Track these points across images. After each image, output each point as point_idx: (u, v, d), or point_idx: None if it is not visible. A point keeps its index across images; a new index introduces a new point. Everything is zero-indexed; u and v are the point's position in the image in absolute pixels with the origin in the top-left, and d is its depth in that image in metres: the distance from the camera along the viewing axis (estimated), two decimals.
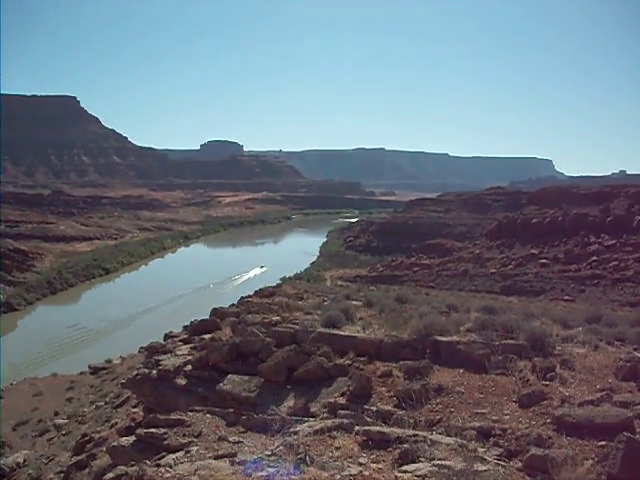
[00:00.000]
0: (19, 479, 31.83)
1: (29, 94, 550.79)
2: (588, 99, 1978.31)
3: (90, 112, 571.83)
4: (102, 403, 44.73)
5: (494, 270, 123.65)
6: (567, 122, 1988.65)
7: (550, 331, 19.05)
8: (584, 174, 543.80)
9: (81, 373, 65.73)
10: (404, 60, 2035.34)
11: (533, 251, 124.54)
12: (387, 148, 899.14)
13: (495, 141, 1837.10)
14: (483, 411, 13.83)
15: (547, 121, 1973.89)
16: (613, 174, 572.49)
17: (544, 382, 14.85)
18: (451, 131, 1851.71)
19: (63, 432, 40.69)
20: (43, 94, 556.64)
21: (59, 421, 44.85)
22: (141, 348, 57.38)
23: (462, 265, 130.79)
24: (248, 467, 9.66)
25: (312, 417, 14.55)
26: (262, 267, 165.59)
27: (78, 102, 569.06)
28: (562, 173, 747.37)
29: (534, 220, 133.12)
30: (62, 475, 27.24)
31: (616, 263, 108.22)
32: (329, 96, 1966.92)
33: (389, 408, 14.52)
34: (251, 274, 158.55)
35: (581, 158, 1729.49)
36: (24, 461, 35.69)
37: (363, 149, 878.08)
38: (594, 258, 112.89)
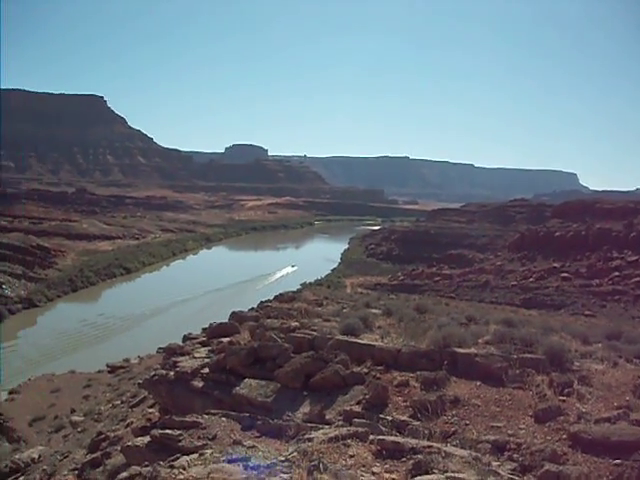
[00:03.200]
0: (34, 474, 31.94)
1: (56, 92, 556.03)
2: (614, 114, 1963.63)
3: (116, 112, 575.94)
4: (118, 402, 44.86)
5: (515, 282, 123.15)
6: (592, 137, 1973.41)
7: (569, 346, 18.94)
8: (608, 188, 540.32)
9: (99, 371, 66.02)
10: (431, 68, 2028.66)
11: (555, 264, 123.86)
12: (411, 157, 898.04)
13: (520, 153, 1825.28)
14: (499, 425, 13.79)
15: (572, 135, 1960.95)
16: (638, 189, 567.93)
17: (561, 397, 14.79)
18: (477, 142, 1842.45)
19: (79, 429, 40.83)
20: (70, 92, 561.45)
21: (75, 418, 45.05)
22: (159, 349, 57.62)
23: (483, 276, 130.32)
24: (261, 472, 9.69)
25: (327, 424, 14.53)
26: (293, 266, 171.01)
27: (105, 102, 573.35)
28: (586, 187, 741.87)
29: (557, 233, 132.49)
30: (76, 472, 27.32)
31: (638, 279, 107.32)
32: (355, 103, 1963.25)
33: (404, 418, 14.50)
34: (283, 272, 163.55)
35: (605, 173, 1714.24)
36: (39, 457, 35.87)
37: (387, 157, 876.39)
38: (616, 273, 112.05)
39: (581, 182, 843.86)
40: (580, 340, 23.63)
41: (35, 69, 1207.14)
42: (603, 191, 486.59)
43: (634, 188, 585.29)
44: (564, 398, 14.75)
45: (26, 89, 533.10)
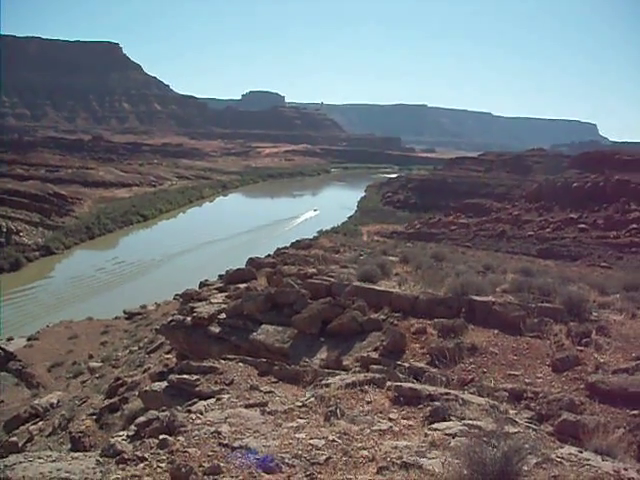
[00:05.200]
0: (52, 419, 32.34)
1: (72, 40, 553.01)
2: (635, 64, 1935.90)
3: (133, 59, 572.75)
4: (136, 348, 45.16)
5: (532, 233, 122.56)
6: (613, 86, 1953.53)
7: (587, 296, 18.86)
8: (629, 140, 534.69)
9: (116, 318, 66.45)
10: (448, 18, 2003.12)
11: (572, 215, 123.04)
12: (429, 105, 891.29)
13: (538, 102, 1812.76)
14: (516, 373, 13.79)
15: (592, 84, 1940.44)
16: None
17: (579, 347, 14.76)
18: (495, 90, 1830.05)
19: (97, 375, 41.20)
20: (86, 39, 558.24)
21: (93, 364, 45.42)
22: (176, 295, 57.85)
23: (500, 226, 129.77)
24: (277, 417, 9.73)
25: (344, 370, 14.59)
26: (315, 210, 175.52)
27: (121, 48, 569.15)
28: (606, 138, 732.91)
29: (575, 184, 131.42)
30: (95, 417, 27.61)
31: None
32: (371, 51, 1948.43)
33: (422, 365, 14.52)
34: (303, 217, 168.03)
35: (626, 123, 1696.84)
36: (58, 402, 36.25)
37: (404, 105, 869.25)
38: (634, 226, 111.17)
39: (601, 133, 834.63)
40: (598, 291, 23.54)
41: (50, 16, 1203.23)
42: (623, 142, 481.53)
43: None
44: (582, 348, 14.72)
45: (42, 37, 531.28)
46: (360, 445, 8.43)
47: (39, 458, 9.00)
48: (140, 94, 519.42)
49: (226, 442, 8.70)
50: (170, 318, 25.19)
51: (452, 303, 17.80)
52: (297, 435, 8.88)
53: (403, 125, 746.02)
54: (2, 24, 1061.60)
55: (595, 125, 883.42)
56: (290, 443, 8.58)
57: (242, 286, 24.23)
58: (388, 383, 11.48)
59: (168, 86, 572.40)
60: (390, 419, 9.72)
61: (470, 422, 9.05)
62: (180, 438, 9.04)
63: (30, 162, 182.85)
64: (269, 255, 36.65)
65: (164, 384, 15.23)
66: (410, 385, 11.21)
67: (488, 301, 17.45)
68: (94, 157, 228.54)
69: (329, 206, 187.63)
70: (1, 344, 55.77)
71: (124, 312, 67.61)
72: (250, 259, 30.02)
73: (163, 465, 8.15)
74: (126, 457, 8.69)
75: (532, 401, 12.21)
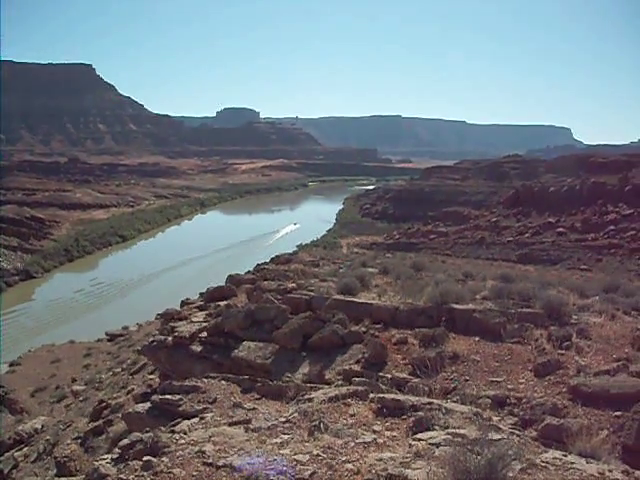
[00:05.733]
0: (37, 445, 32.12)
1: (45, 62, 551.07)
2: (607, 66, 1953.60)
3: (106, 80, 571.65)
4: (119, 370, 45.07)
5: (511, 238, 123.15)
6: (586, 90, 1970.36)
7: (567, 300, 18.97)
8: (602, 142, 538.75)
9: (98, 340, 66.30)
10: (420, 30, 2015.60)
11: (550, 220, 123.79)
12: (404, 115, 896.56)
13: (513, 109, 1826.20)
14: (498, 380, 13.84)
15: (565, 89, 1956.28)
16: (632, 143, 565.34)
17: (560, 351, 14.86)
18: (468, 98, 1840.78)
19: (80, 398, 41.07)
20: (59, 62, 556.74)
21: (76, 387, 45.28)
22: (158, 315, 57.76)
23: (479, 233, 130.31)
24: (262, 434, 9.70)
25: (327, 384, 14.57)
26: (295, 224, 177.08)
27: (94, 70, 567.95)
28: (580, 141, 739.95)
29: (551, 188, 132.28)
30: (79, 441, 27.50)
31: (634, 232, 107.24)
32: (345, 63, 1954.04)
33: (404, 376, 14.55)
34: (287, 230, 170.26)
35: (599, 126, 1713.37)
36: (42, 427, 36.10)
37: (379, 116, 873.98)
38: (611, 227, 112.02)
39: (575, 137, 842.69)
40: (577, 294, 23.71)
41: (20, 40, 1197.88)
42: (597, 145, 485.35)
43: (629, 141, 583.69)
44: (563, 352, 14.81)
45: (14, 60, 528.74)
46: (345, 459, 8.42)
47: None
48: (115, 114, 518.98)
49: (210, 461, 8.66)
50: (151, 338, 25.11)
51: (432, 312, 17.86)
52: (281, 451, 8.85)
53: (379, 136, 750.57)
54: None
55: (569, 129, 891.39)
56: (275, 459, 8.55)
57: (222, 304, 24.19)
58: (371, 395, 11.50)
59: (142, 105, 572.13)
60: (374, 431, 9.72)
61: (454, 431, 9.06)
62: (164, 459, 8.99)
63: (6, 186, 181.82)
64: (249, 271, 36.65)
65: (147, 405, 15.17)
66: (393, 396, 11.23)
67: (468, 309, 17.53)
68: (71, 179, 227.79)
69: (308, 220, 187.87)
70: None
71: (106, 334, 67.49)
72: (230, 276, 30.02)
73: None
74: None
75: (515, 407, 12.26)
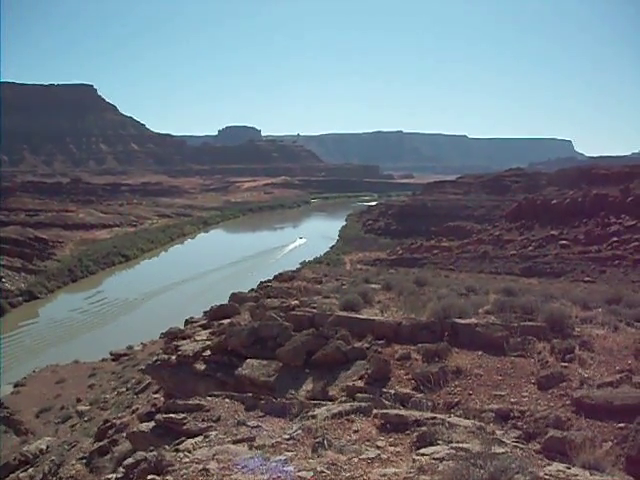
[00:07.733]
0: (42, 465, 32.06)
1: (46, 84, 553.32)
2: (607, 79, 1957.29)
3: (107, 100, 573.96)
4: (124, 389, 45.04)
5: (514, 252, 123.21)
6: (586, 102, 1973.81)
7: (569, 312, 18.92)
8: (604, 154, 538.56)
9: (103, 360, 66.19)
10: (419, 43, 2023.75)
11: (553, 232, 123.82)
12: (405, 131, 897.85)
13: (514, 123, 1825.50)
14: (502, 393, 13.81)
15: (566, 101, 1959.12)
16: (633, 154, 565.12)
17: (563, 364, 14.81)
18: (469, 113, 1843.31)
19: (85, 418, 41.03)
20: (60, 83, 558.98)
21: (81, 408, 45.23)
22: (162, 334, 57.74)
23: (482, 247, 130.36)
24: (266, 451, 9.70)
25: (330, 401, 14.56)
26: (301, 238, 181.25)
27: (95, 90, 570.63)
28: (582, 154, 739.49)
29: (554, 201, 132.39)
30: (84, 461, 27.49)
31: (637, 244, 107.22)
32: (346, 80, 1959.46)
33: (407, 391, 14.52)
34: (295, 244, 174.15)
35: (601, 138, 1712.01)
36: (47, 447, 36.03)
37: (381, 132, 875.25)
38: (614, 239, 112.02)
39: (576, 149, 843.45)
40: (580, 306, 23.61)
41: (23, 61, 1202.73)
42: (599, 157, 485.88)
43: (629, 153, 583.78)
44: (566, 364, 14.76)
45: (15, 82, 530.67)
46: (349, 475, 8.42)
47: None
48: (117, 134, 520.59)
49: (214, 479, 8.67)
50: (155, 358, 25.14)
51: (435, 327, 17.82)
52: (285, 468, 8.85)
53: (380, 152, 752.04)
54: None
55: (570, 141, 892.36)
56: (279, 476, 8.55)
57: (226, 322, 24.22)
58: (374, 411, 11.48)
59: (144, 125, 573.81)
60: (378, 447, 9.71)
61: (457, 445, 9.07)
62: (168, 477, 9.00)
63: (9, 207, 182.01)
64: (252, 289, 36.70)
65: (152, 424, 15.19)
66: (396, 412, 11.23)
67: (471, 323, 17.49)
68: (73, 200, 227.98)
69: (311, 237, 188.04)
70: None
71: (110, 354, 67.39)
72: (233, 294, 30.05)
73: None
74: None
75: (519, 420, 12.24)
